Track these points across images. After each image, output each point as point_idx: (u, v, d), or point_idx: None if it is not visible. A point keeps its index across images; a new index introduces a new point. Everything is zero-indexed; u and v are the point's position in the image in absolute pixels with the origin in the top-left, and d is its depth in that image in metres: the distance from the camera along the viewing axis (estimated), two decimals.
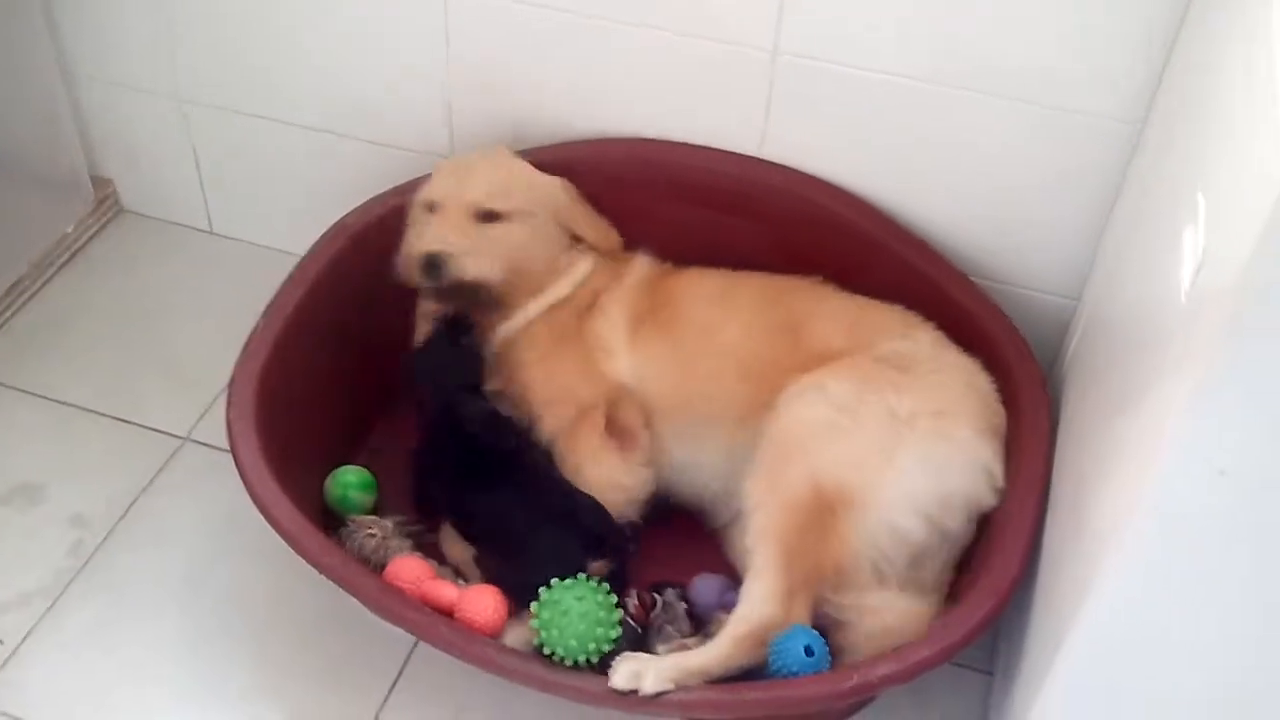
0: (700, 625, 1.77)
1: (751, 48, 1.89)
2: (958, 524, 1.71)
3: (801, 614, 1.64)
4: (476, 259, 1.86)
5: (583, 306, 1.94)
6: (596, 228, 1.98)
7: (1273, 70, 1.09)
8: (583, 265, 1.97)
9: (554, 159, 2.05)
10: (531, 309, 1.94)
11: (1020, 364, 1.86)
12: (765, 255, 2.01)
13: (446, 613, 1.69)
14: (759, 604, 1.64)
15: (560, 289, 1.95)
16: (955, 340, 1.90)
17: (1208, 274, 1.14)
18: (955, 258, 1.97)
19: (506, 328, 1.94)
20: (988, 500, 1.73)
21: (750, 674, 1.64)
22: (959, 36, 1.78)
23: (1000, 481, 1.74)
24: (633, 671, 1.57)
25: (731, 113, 1.97)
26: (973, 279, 1.97)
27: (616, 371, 1.90)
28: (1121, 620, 1.30)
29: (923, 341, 1.85)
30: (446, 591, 1.72)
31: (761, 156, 2.00)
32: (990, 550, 1.69)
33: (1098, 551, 1.31)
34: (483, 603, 1.70)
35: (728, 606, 1.73)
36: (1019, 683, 1.61)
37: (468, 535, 1.86)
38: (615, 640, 1.66)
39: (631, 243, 2.03)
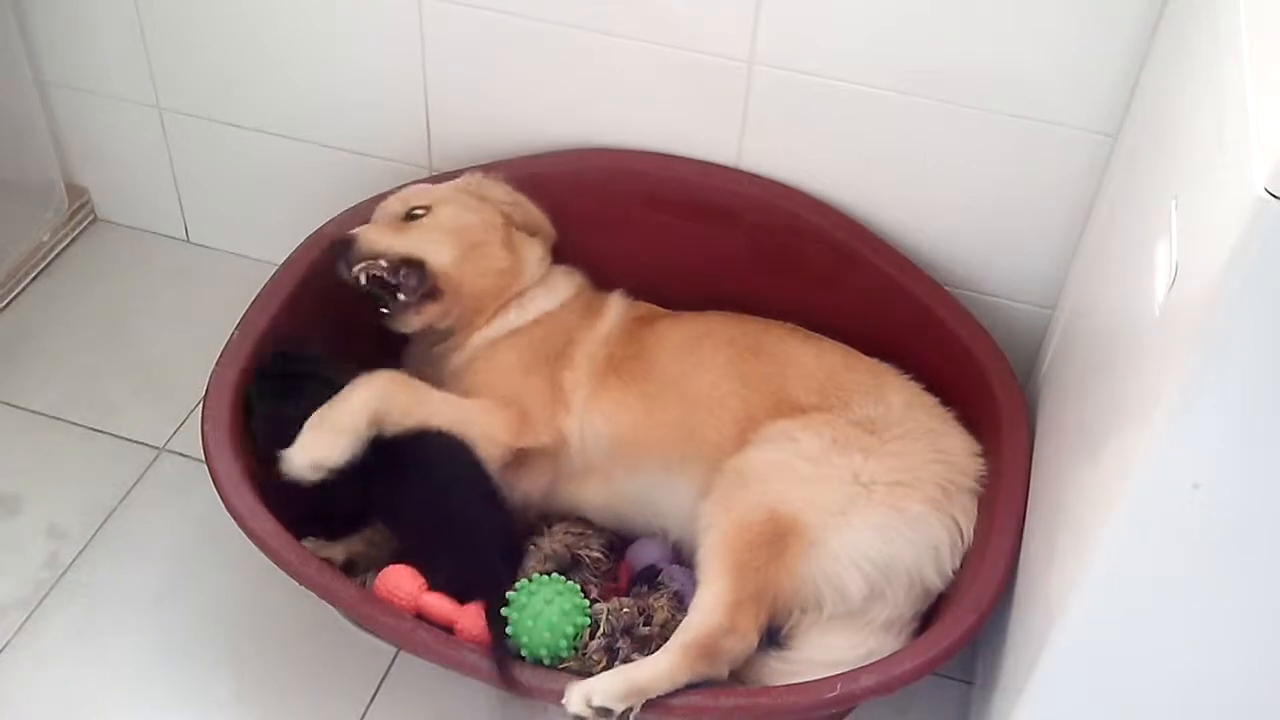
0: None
1: (728, 59, 1.90)
2: (899, 595, 1.70)
3: (748, 626, 1.64)
4: (403, 239, 1.89)
5: (555, 350, 1.92)
6: (531, 214, 2.01)
7: (1243, 81, 1.10)
8: (557, 287, 1.98)
9: (531, 170, 2.05)
10: (499, 324, 1.92)
11: (998, 376, 1.87)
12: (742, 266, 2.02)
13: (445, 627, 1.68)
14: (705, 613, 1.64)
15: (530, 308, 1.94)
16: (932, 351, 1.91)
17: (1181, 288, 1.15)
18: (931, 267, 1.98)
19: (473, 341, 1.92)
20: (932, 580, 1.72)
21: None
22: (934, 48, 1.79)
23: (950, 566, 1.73)
24: (583, 695, 1.57)
25: (709, 123, 1.98)
26: (949, 288, 1.98)
27: (568, 428, 1.87)
28: (1097, 631, 1.32)
29: (894, 404, 1.83)
30: (445, 606, 1.71)
31: (739, 167, 2.00)
32: (973, 564, 1.70)
33: (1074, 563, 1.32)
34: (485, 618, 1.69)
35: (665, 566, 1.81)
36: (998, 692, 1.62)
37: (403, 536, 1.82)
38: (582, 632, 1.67)
39: (607, 253, 2.04)
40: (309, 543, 1.76)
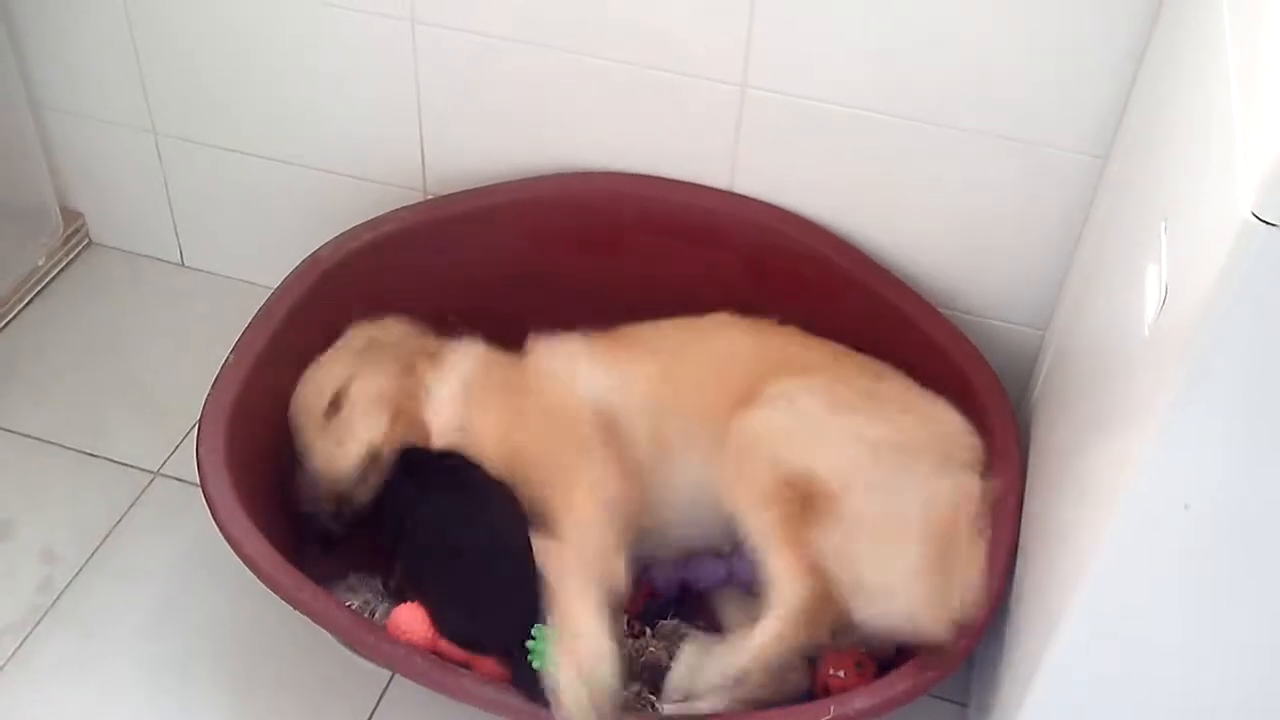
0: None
1: (720, 82, 1.91)
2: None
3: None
4: (350, 445, 1.85)
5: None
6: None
7: (1230, 104, 1.11)
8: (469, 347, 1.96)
9: (526, 193, 2.07)
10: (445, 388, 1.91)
11: (990, 397, 1.87)
12: (736, 288, 2.02)
13: (463, 666, 1.68)
14: (789, 580, 1.64)
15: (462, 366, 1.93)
16: (925, 372, 1.91)
17: (1170, 309, 1.16)
18: (924, 289, 1.99)
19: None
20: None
21: None
22: (926, 72, 1.80)
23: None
24: (688, 666, 1.61)
25: (702, 146, 1.99)
26: (941, 310, 1.98)
27: (589, 391, 1.84)
28: (1091, 653, 1.32)
29: (892, 381, 1.85)
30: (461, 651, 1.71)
31: (733, 190, 2.01)
32: None
33: (1066, 584, 1.33)
34: None
35: (736, 577, 1.79)
36: (992, 714, 1.62)
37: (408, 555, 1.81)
38: None
39: (601, 276, 2.05)
40: None
